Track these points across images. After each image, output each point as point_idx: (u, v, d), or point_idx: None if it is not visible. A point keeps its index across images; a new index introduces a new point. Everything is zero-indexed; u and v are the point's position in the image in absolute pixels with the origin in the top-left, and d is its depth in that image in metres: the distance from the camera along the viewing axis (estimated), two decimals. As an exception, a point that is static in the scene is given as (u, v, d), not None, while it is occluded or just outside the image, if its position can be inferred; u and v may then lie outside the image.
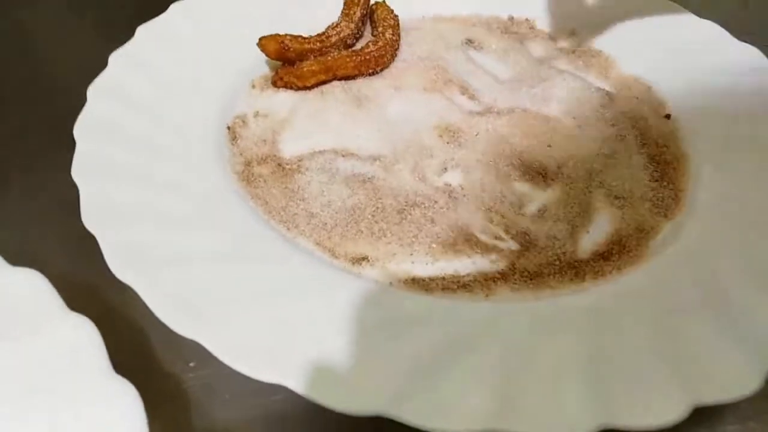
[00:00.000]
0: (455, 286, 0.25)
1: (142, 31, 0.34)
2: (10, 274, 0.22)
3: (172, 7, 0.36)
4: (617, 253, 0.27)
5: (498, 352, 0.21)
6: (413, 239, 0.27)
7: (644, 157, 0.32)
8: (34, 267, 0.22)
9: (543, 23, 0.40)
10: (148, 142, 0.28)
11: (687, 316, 0.22)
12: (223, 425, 0.22)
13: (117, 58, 0.32)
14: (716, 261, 0.25)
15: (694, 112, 0.33)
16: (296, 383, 0.20)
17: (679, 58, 0.35)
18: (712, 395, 0.20)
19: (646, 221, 0.28)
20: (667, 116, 0.34)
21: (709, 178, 0.29)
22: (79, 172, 0.26)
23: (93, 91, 0.30)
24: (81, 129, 0.28)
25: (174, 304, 0.21)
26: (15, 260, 0.22)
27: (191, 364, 0.23)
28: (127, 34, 0.33)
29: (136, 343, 0.24)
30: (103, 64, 0.31)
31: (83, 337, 0.20)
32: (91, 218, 0.24)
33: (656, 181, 0.30)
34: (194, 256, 0.24)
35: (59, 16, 0.43)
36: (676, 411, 0.19)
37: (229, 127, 0.32)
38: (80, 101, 0.29)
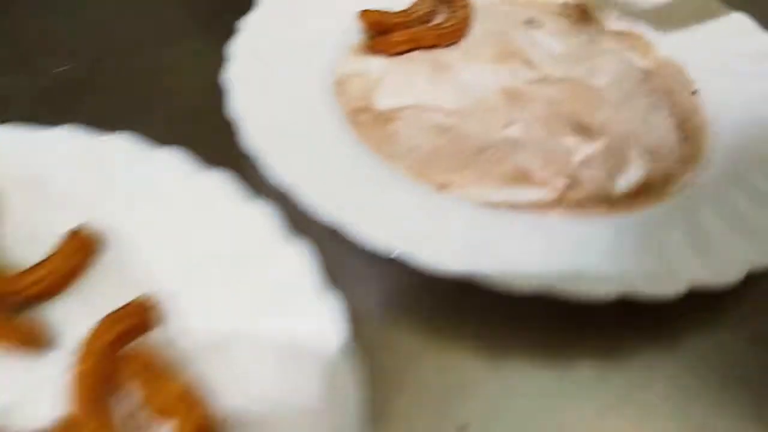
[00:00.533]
0: (518, 209, 0.33)
1: (262, 5, 0.42)
2: (248, 207, 0.29)
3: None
4: (644, 192, 0.34)
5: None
6: (485, 172, 0.35)
7: (673, 123, 0.39)
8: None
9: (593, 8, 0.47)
10: (281, 92, 0.36)
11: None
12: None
13: (248, 23, 0.40)
14: (726, 196, 0.32)
15: (717, 89, 0.40)
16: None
17: (708, 43, 0.42)
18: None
19: (670, 171, 0.35)
20: (694, 92, 0.41)
21: (724, 141, 0.37)
22: (236, 111, 0.34)
23: (233, 48, 0.38)
24: (231, 76, 0.36)
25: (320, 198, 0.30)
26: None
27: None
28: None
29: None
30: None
31: (303, 258, 0.27)
32: (248, 140, 0.32)
33: (682, 141, 0.37)
34: (329, 172, 0.32)
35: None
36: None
37: (335, 83, 0.40)
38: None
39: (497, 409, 0.27)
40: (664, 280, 0.27)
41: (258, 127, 0.33)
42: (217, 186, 0.29)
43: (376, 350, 0.27)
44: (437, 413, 0.27)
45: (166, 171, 0.30)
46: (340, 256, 0.30)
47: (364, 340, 0.26)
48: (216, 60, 0.37)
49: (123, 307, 0.25)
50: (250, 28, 0.40)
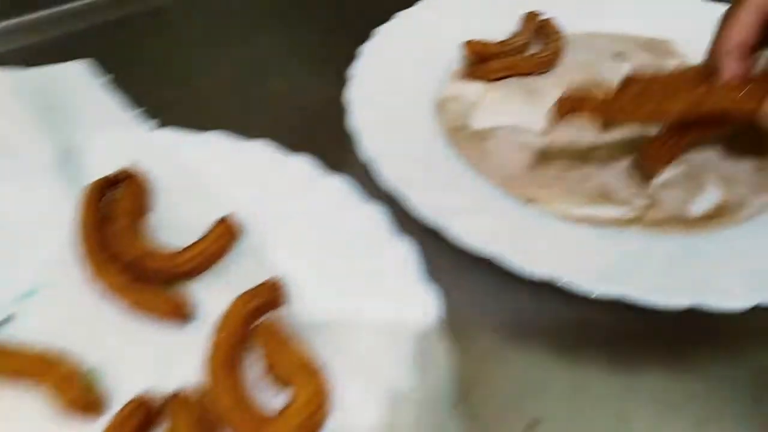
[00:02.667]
0: (599, 225, 0.37)
1: (378, 34, 0.48)
2: (362, 207, 0.34)
3: (397, 15, 0.50)
4: (718, 215, 0.37)
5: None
6: (570, 190, 0.39)
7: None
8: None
9: (677, 45, 0.50)
10: (396, 112, 0.42)
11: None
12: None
13: (365, 53, 0.46)
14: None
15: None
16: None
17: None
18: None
19: (744, 197, 0.38)
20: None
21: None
22: (356, 124, 0.39)
23: (357, 67, 0.44)
24: (351, 96, 0.42)
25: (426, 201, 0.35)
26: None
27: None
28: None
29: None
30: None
31: (407, 253, 0.32)
32: (369, 154, 0.38)
33: (757, 170, 0.40)
34: (426, 180, 0.37)
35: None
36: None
37: (438, 104, 0.45)
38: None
39: (567, 408, 0.30)
40: (732, 294, 0.30)
41: (373, 139, 0.39)
42: (337, 189, 0.35)
43: (462, 341, 0.30)
44: (511, 407, 0.30)
45: (295, 174, 0.36)
46: (438, 255, 0.34)
47: (453, 332, 0.29)
48: (337, 81, 0.43)
49: (256, 287, 0.29)
50: (368, 55, 0.46)
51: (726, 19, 0.33)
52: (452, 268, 0.35)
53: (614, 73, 0.47)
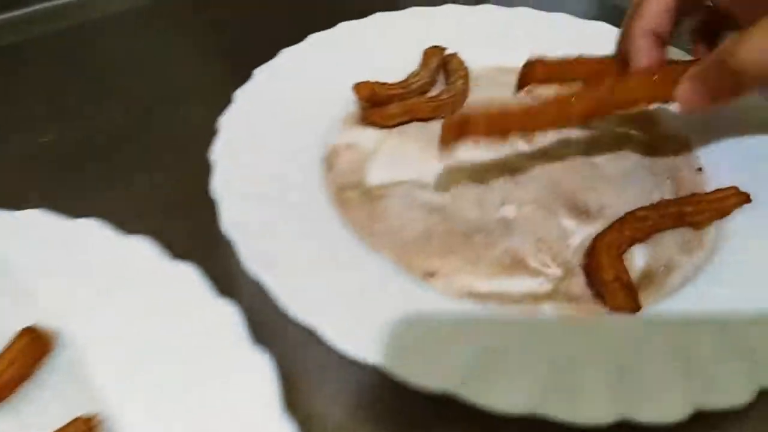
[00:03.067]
0: (508, 302, 0.31)
1: (257, 73, 0.41)
2: (170, 267, 0.29)
3: (282, 53, 0.43)
4: (645, 284, 0.32)
5: (542, 353, 0.27)
6: (475, 259, 0.33)
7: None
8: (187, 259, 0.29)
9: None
10: (267, 166, 0.35)
11: (699, 339, 0.28)
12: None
13: (239, 96, 0.39)
14: (729, 302, 0.30)
15: (724, 167, 0.38)
16: (384, 362, 0.26)
17: (715, 118, 0.40)
18: (711, 402, 0.25)
19: (672, 259, 0.33)
20: (699, 170, 0.39)
21: (732, 226, 0.34)
22: (217, 187, 0.33)
23: (223, 122, 0.37)
24: (218, 150, 0.35)
25: (290, 295, 0.28)
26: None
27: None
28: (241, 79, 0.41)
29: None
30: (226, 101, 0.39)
31: (229, 317, 0.26)
32: (228, 226, 0.31)
33: (685, 225, 0.35)
34: (303, 259, 0.30)
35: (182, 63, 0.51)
36: (680, 412, 0.25)
37: (325, 157, 0.39)
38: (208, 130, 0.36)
39: None
40: (667, 402, 0.25)
41: (236, 207, 0.32)
42: (183, 280, 0.28)
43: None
44: None
45: (130, 261, 0.29)
46: (312, 355, 0.28)
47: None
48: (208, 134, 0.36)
49: (65, 427, 0.24)
50: (242, 100, 0.39)
51: (636, 8, 0.33)
52: (332, 374, 0.29)
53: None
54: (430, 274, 0.32)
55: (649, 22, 0.33)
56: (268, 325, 0.28)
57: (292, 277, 0.29)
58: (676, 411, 0.25)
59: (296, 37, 0.45)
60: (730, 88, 0.30)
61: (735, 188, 0.35)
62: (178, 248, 0.30)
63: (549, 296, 0.32)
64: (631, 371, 0.26)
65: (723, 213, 0.34)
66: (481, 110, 0.33)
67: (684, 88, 0.32)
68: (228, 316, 0.27)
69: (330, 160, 0.39)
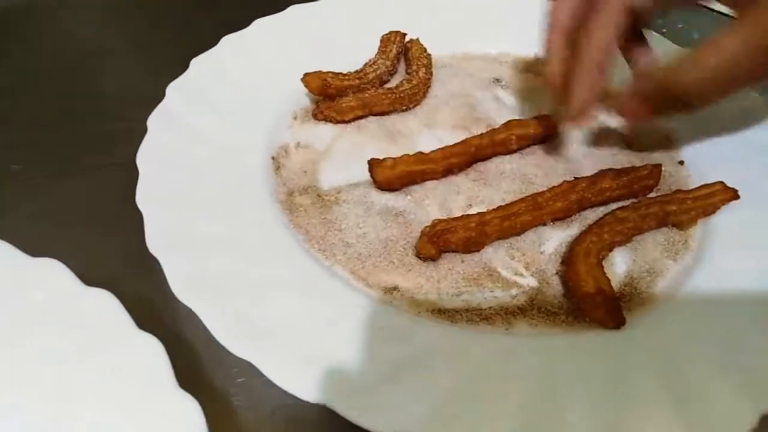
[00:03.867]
0: (478, 319, 0.28)
1: (195, 64, 0.37)
2: (84, 294, 0.24)
3: (223, 41, 0.39)
4: (629, 294, 0.29)
5: (515, 385, 0.24)
6: (440, 272, 0.29)
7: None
8: (105, 287, 0.25)
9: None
10: (203, 170, 0.31)
11: (690, 359, 0.25)
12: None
13: (173, 90, 0.35)
14: (720, 307, 0.27)
15: (706, 161, 0.35)
16: (332, 403, 0.22)
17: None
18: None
19: (656, 264, 0.30)
20: (681, 162, 0.36)
21: (718, 225, 0.32)
22: (142, 198, 0.28)
23: (153, 121, 0.33)
24: (143, 156, 0.31)
25: (226, 326, 0.24)
26: (88, 281, 0.25)
27: (239, 380, 0.26)
28: (180, 68, 0.36)
29: (190, 359, 0.26)
30: (160, 96, 0.34)
31: (151, 354, 0.22)
32: (153, 243, 0.26)
33: (668, 226, 0.32)
34: (243, 280, 0.26)
35: (117, 52, 0.46)
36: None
37: (273, 158, 0.34)
38: (140, 130, 0.32)
39: None
40: None
41: (166, 222, 0.27)
42: (97, 309, 0.24)
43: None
44: None
45: (37, 286, 0.25)
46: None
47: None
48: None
49: None
50: (176, 94, 0.35)
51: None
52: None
53: (493, 105, 0.39)
54: (389, 291, 0.28)
55: (561, 15, 0.33)
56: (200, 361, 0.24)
57: (230, 305, 0.25)
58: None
59: (241, 23, 0.41)
60: (674, 106, 0.30)
61: (721, 183, 0.32)
62: (95, 272, 0.26)
63: (523, 311, 0.28)
64: (617, 398, 0.23)
65: (709, 211, 0.32)
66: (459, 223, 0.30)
67: (629, 103, 0.31)
68: (149, 353, 0.22)
69: (278, 161, 0.34)
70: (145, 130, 0.32)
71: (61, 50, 0.46)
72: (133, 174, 0.29)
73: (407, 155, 0.33)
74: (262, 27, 0.41)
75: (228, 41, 0.39)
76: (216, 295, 0.25)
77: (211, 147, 0.33)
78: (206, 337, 0.24)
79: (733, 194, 0.32)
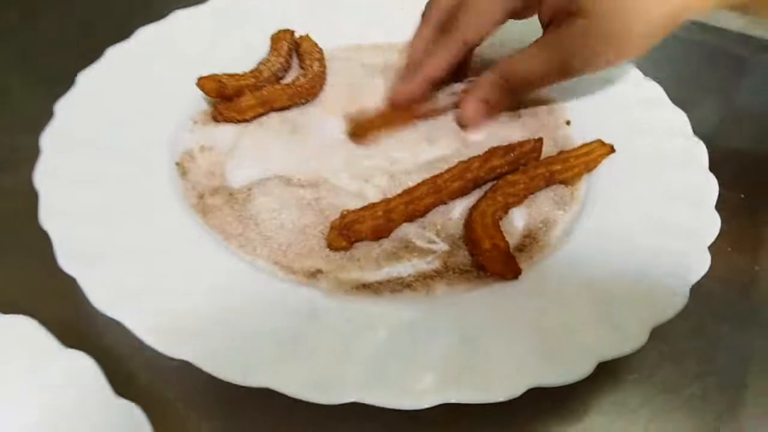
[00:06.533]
0: (401, 287, 0.29)
1: (83, 78, 0.36)
2: (2, 322, 0.23)
3: (109, 51, 0.38)
4: (529, 244, 0.32)
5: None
6: (360, 252, 0.31)
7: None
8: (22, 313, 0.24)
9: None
10: (106, 184, 0.31)
11: (585, 294, 0.28)
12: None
13: (63, 106, 0.34)
14: (608, 244, 0.31)
15: (590, 122, 0.39)
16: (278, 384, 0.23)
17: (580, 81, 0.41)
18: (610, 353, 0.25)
19: (549, 216, 0.34)
20: (568, 122, 0.39)
21: (598, 179, 0.35)
22: (46, 217, 0.28)
23: (45, 140, 0.32)
24: (41, 176, 0.30)
25: (156, 330, 0.24)
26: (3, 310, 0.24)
27: (177, 381, 0.26)
28: (68, 83, 0.35)
29: (123, 368, 0.26)
30: (48, 114, 0.33)
31: (82, 369, 0.22)
32: (66, 260, 0.26)
33: (557, 183, 0.36)
34: (165, 285, 0.26)
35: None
36: (586, 368, 0.25)
37: (177, 163, 0.34)
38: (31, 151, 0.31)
39: None
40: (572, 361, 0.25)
41: (74, 239, 0.27)
42: (16, 335, 0.23)
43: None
44: None
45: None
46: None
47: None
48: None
49: None
50: (65, 113, 0.34)
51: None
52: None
53: (385, 90, 0.41)
54: (313, 275, 0.29)
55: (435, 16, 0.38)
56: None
57: (155, 310, 0.25)
58: (581, 368, 0.25)
59: (122, 33, 0.40)
60: (507, 100, 0.37)
61: (599, 141, 0.36)
62: (9, 300, 0.25)
63: (440, 273, 0.30)
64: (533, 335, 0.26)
65: (591, 166, 0.35)
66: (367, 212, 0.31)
67: (470, 108, 0.37)
68: (80, 369, 0.22)
69: (184, 166, 0.34)
70: (38, 152, 0.31)
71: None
72: (32, 197, 0.28)
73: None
74: (147, 35, 0.40)
75: (113, 52, 0.38)
76: (139, 303, 0.25)
77: (111, 160, 0.32)
78: (136, 345, 0.24)
79: (610, 149, 0.35)
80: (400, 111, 0.38)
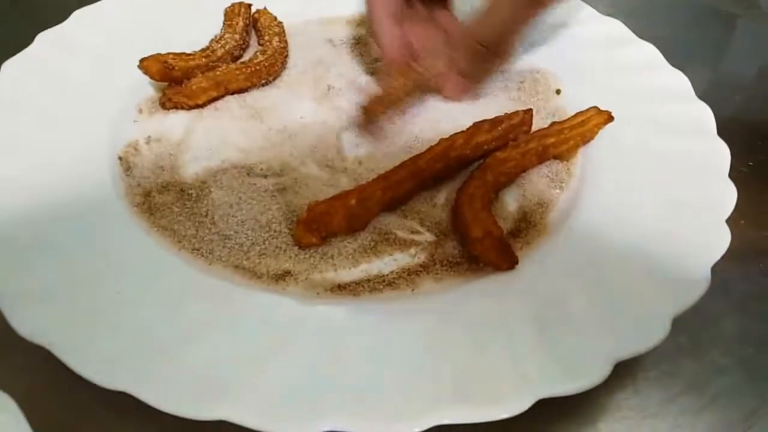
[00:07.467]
0: (381, 286, 0.26)
1: (8, 67, 0.31)
2: None
3: (38, 38, 0.33)
4: (524, 228, 0.28)
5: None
6: (334, 248, 0.27)
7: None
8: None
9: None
10: (39, 186, 0.26)
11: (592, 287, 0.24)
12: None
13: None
14: (612, 224, 0.27)
15: (582, 89, 0.35)
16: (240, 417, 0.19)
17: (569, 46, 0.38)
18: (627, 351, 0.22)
19: (544, 195, 0.30)
20: (558, 91, 0.36)
21: (596, 152, 0.32)
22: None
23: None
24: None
25: (91, 357, 0.20)
26: None
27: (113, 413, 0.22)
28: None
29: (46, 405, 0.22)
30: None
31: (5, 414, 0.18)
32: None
33: (550, 159, 0.32)
34: (106, 303, 0.22)
35: None
36: (601, 371, 0.21)
37: (120, 158, 0.30)
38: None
39: None
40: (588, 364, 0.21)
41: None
42: None
43: None
44: None
45: None
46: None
47: None
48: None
49: None
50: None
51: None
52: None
53: (354, 66, 0.37)
54: (281, 278, 0.26)
55: (388, 6, 0.34)
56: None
57: (89, 340, 0.21)
58: (596, 372, 0.21)
59: (55, 17, 0.35)
60: (484, 68, 0.34)
61: (595, 108, 0.32)
62: None
63: (426, 268, 0.27)
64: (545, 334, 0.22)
65: (588, 137, 0.32)
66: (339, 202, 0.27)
67: (451, 88, 0.35)
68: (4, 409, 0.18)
69: (128, 160, 0.30)
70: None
71: None
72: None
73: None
74: (83, 18, 0.36)
75: (44, 38, 0.34)
76: (73, 329, 0.21)
77: (42, 157, 0.28)
78: (61, 377, 0.20)
79: (608, 116, 0.32)
80: (399, 77, 0.33)
